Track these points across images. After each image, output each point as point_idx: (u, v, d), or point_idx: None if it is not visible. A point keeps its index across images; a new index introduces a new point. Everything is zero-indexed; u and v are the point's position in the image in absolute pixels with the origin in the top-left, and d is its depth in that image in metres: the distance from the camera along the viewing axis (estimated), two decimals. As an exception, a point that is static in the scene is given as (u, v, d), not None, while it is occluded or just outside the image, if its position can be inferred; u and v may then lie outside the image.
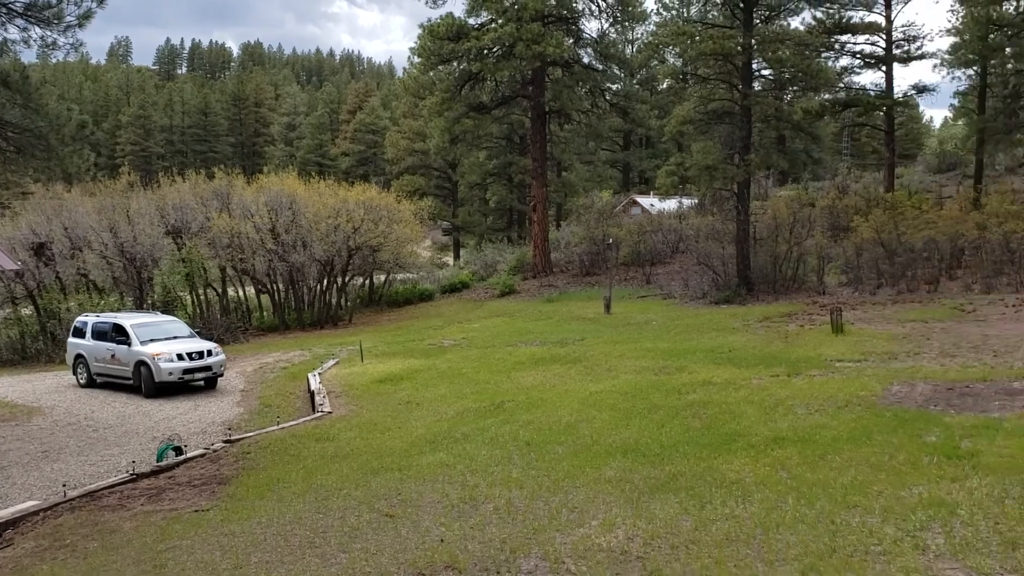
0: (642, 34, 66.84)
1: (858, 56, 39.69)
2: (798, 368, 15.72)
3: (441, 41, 40.19)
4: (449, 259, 64.10)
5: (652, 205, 56.41)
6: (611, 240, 39.92)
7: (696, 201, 48.44)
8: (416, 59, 48.60)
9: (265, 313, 36.56)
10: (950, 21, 77.02)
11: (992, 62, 40.38)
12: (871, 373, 14.56)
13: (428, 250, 60.11)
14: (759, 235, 32.90)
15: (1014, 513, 7.27)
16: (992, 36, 37.65)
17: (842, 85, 39.51)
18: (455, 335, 27.13)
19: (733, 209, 32.51)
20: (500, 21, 39.72)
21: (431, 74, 47.35)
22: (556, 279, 41.62)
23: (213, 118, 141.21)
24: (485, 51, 40.57)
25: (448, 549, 7.62)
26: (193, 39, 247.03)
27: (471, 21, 41.44)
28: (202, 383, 20.43)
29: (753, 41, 30.33)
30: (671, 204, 52.31)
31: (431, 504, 9.11)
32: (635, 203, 59.39)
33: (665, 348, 20.16)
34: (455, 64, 43.04)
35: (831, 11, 37.55)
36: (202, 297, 34.67)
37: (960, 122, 52.82)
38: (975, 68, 39.86)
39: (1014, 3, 38.31)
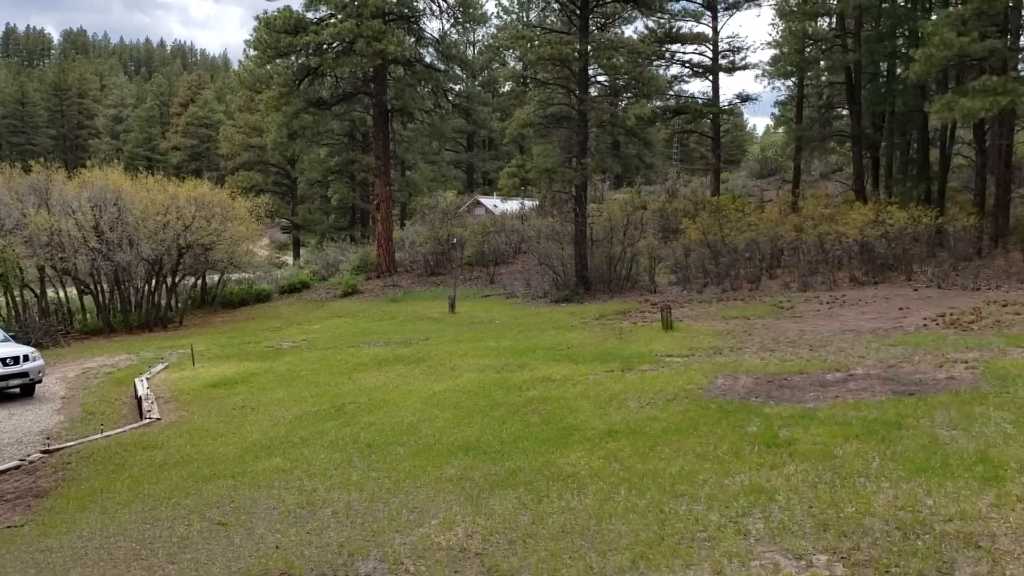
0: (483, 36, 67.52)
1: (687, 65, 41.84)
2: (631, 363, 16.31)
3: (278, 34, 39.13)
4: (289, 258, 62.41)
5: (495, 206, 57.09)
6: (455, 240, 40.09)
7: (537, 203, 49.41)
8: (252, 52, 47.03)
9: (88, 315, 34.41)
10: (771, 35, 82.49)
11: (808, 74, 43.42)
12: (698, 367, 15.31)
13: (266, 249, 58.31)
14: (596, 236, 33.96)
15: (825, 497, 7.83)
16: (808, 50, 40.49)
17: (672, 93, 41.52)
18: (294, 336, 26.50)
19: (571, 211, 33.41)
20: (340, 16, 39.11)
21: (268, 68, 46.03)
22: (401, 279, 41.38)
23: (31, 108, 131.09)
24: (325, 46, 39.84)
25: (284, 555, 7.45)
26: (8, 23, 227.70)
27: (309, 15, 40.60)
28: (17, 390, 18.98)
29: (589, 48, 31.24)
30: (513, 205, 53.12)
31: (266, 510, 8.87)
32: (479, 203, 59.93)
33: (507, 346, 20.45)
34: (293, 58, 42.01)
35: (662, 21, 39.36)
36: (18, 299, 32.24)
37: (780, 130, 56.35)
38: (793, 79, 42.73)
39: (827, 20, 41.39)
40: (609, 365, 16.33)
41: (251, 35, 41.63)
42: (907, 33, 35.29)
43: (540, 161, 32.75)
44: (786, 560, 6.55)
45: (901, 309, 21.94)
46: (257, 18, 40.58)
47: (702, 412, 11.59)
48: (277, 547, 7.71)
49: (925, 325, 19.06)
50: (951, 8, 29.10)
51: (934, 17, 29.93)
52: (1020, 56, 31.67)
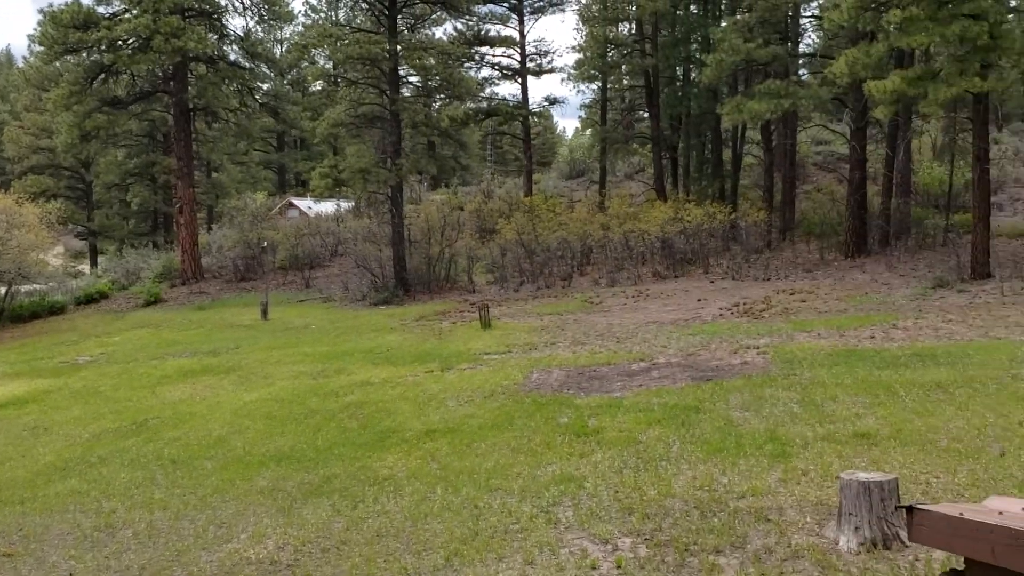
0: (291, 34, 65.81)
1: (497, 68, 42.55)
2: (450, 363, 16.45)
3: (66, 29, 36.41)
4: (85, 267, 58.25)
5: (310, 207, 55.65)
6: (266, 243, 38.82)
7: (353, 204, 48.69)
8: (38, 48, 43.60)
9: None
10: (575, 39, 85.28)
11: (611, 78, 45.20)
12: (514, 363, 15.65)
13: (60, 258, 54.10)
14: (414, 237, 33.93)
15: (630, 481, 8.21)
16: (610, 54, 42.14)
17: (484, 95, 42.06)
18: (92, 350, 24.82)
19: (388, 212, 33.21)
20: (135, 12, 36.88)
21: (57, 64, 42.80)
22: (208, 285, 39.60)
23: None
24: (119, 42, 37.46)
25: (78, 585, 6.99)
26: None
27: (101, 9, 38.01)
28: None
29: (399, 47, 31.13)
30: (329, 206, 51.96)
31: (59, 536, 8.29)
32: (292, 205, 58.26)
33: (324, 351, 20.07)
34: (84, 55, 39.27)
35: (471, 23, 39.82)
36: None
37: (587, 132, 58.35)
38: (597, 83, 44.33)
39: (628, 25, 43.25)
40: (428, 366, 16.40)
41: (36, 30, 38.54)
42: (700, 39, 37.44)
43: (354, 161, 32.28)
44: (593, 545, 6.81)
45: (699, 300, 23.32)
46: (41, 11, 37.65)
47: (518, 407, 11.87)
48: (71, 575, 7.22)
49: (721, 315, 20.36)
50: (738, 16, 31.16)
51: (723, 24, 31.95)
52: (800, 62, 34.44)
